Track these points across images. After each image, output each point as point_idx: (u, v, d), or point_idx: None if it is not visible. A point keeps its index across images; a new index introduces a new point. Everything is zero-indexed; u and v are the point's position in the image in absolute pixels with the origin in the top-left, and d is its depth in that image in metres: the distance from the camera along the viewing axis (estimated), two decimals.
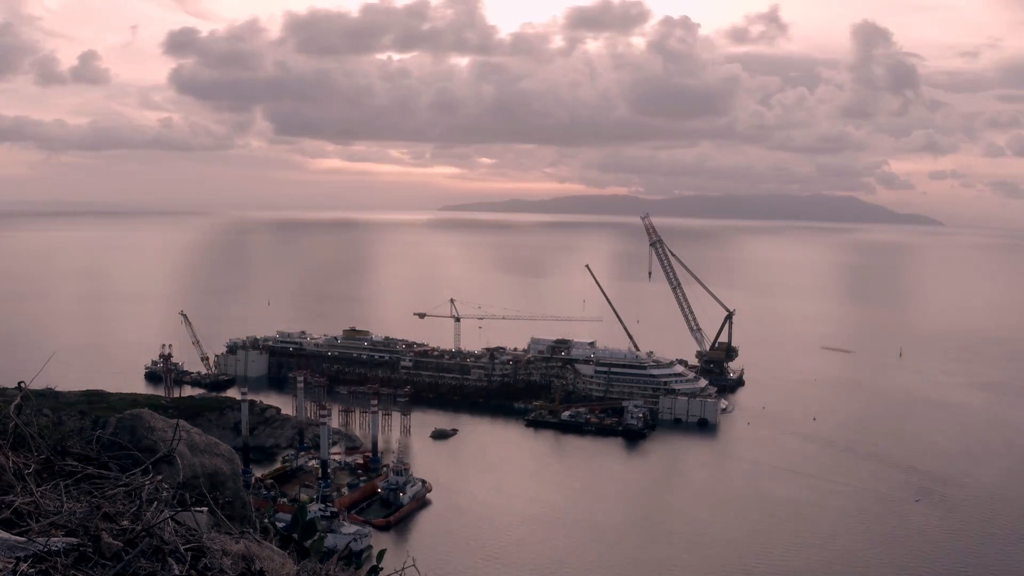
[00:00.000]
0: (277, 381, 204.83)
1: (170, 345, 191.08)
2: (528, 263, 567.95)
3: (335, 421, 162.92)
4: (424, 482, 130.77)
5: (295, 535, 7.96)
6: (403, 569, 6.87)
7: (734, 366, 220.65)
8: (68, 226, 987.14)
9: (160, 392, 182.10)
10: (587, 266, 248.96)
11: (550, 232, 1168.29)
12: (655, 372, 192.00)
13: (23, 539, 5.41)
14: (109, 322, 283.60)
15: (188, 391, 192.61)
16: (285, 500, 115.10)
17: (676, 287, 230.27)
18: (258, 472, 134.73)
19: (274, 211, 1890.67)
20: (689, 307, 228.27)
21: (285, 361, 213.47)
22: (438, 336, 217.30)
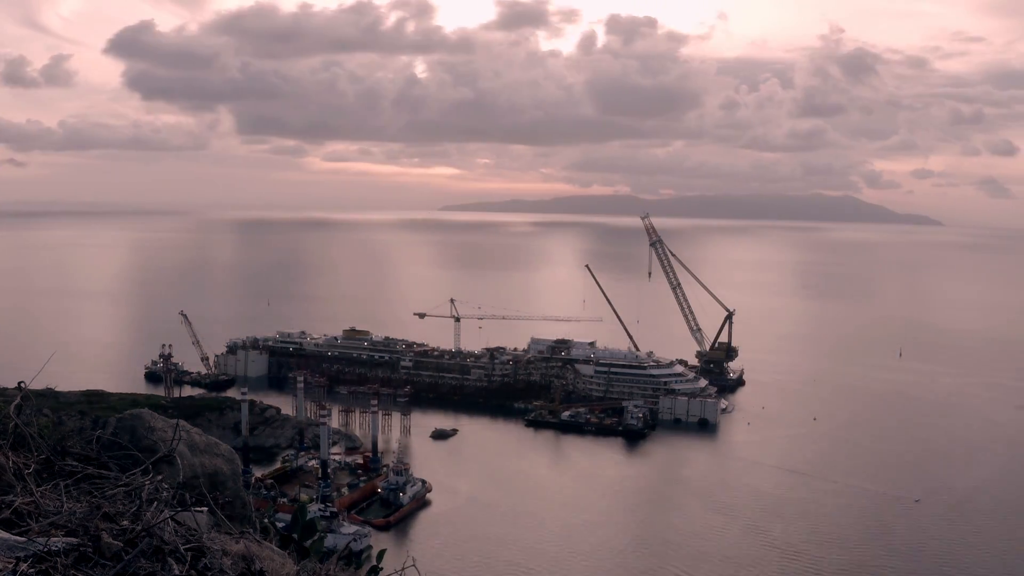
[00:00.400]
0: (277, 381, 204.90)
1: (170, 345, 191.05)
2: (523, 262, 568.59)
3: (335, 421, 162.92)
4: (424, 482, 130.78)
5: (295, 535, 7.96)
6: (403, 569, 6.87)
7: (734, 366, 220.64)
8: (66, 226, 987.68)
9: (160, 392, 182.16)
10: (587, 266, 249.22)
11: (550, 232, 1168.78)
12: (655, 372, 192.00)
13: (23, 539, 5.41)
14: (109, 322, 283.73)
15: (188, 391, 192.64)
16: (285, 500, 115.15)
17: (676, 287, 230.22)
18: (258, 472, 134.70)
19: (271, 211, 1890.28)
20: (689, 307, 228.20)
21: (285, 361, 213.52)
22: (438, 336, 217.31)
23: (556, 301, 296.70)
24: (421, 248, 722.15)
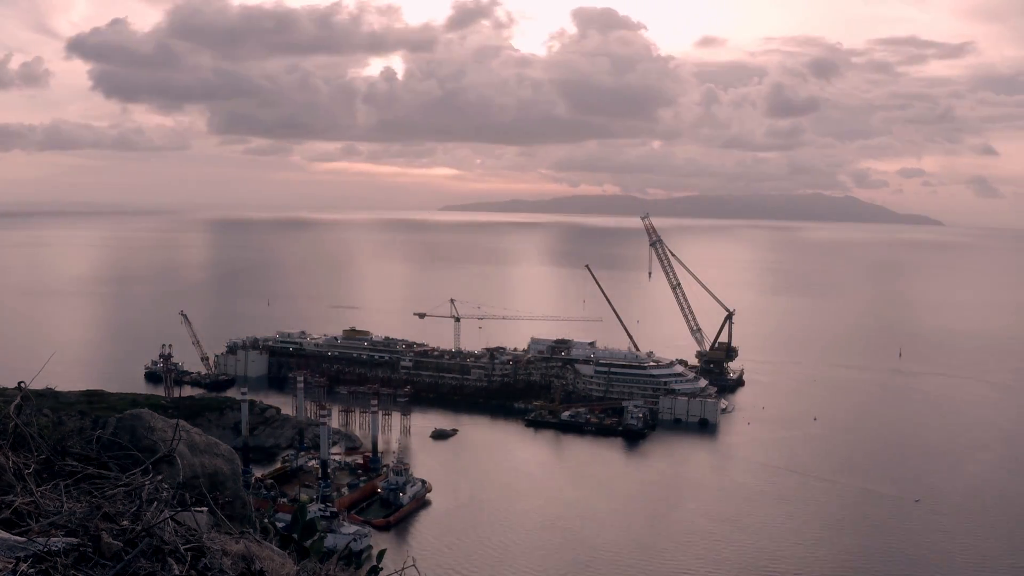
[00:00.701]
0: (277, 381, 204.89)
1: (170, 345, 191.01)
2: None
3: (335, 421, 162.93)
4: (424, 482, 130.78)
5: (295, 535, 7.96)
6: (403, 569, 6.87)
7: (734, 366, 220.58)
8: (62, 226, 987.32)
9: (160, 392, 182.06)
10: (587, 266, 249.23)
11: (535, 232, 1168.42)
12: (655, 372, 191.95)
13: (23, 539, 5.41)
14: (108, 322, 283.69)
15: (188, 391, 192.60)
16: (285, 500, 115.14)
17: (676, 287, 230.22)
18: (258, 472, 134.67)
19: (273, 212, 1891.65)
20: (689, 307, 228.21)
21: (285, 361, 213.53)
22: (438, 336, 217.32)
23: (556, 301, 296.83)
24: (395, 248, 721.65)
